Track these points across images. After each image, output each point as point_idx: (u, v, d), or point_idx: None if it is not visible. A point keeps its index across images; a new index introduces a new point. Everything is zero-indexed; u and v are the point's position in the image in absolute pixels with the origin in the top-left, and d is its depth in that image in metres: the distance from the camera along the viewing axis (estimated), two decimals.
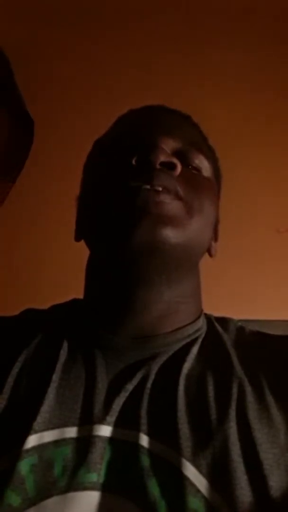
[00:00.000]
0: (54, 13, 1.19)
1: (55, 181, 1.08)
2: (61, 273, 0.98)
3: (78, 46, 1.18)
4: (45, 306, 0.57)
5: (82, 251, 0.53)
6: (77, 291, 0.54)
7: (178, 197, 0.46)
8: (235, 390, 0.42)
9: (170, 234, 0.43)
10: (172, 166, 0.46)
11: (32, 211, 1.11)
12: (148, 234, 0.43)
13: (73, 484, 0.37)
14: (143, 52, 1.16)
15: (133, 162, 0.46)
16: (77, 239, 0.56)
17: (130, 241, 0.43)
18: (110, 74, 1.16)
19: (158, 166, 0.45)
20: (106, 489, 0.37)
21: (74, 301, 0.56)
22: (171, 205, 0.45)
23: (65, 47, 1.18)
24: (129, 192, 0.44)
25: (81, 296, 0.54)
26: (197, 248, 0.49)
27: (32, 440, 0.39)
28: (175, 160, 0.46)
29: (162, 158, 0.45)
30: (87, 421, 0.40)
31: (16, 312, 0.56)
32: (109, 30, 1.18)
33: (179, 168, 0.47)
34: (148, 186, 0.44)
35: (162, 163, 0.46)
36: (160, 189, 0.45)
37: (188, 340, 0.49)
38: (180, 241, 0.44)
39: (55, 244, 1.04)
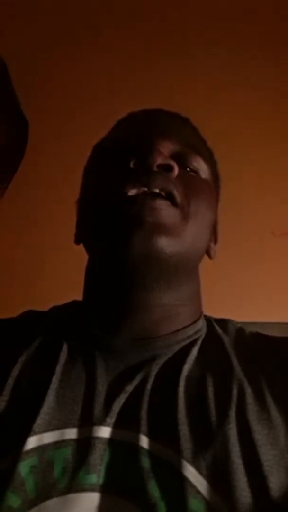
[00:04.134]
0: (52, 17, 1.19)
1: (56, 182, 1.08)
2: (62, 275, 0.97)
3: (74, 48, 1.18)
4: (45, 307, 0.57)
5: (82, 253, 0.53)
6: (78, 293, 0.54)
7: (174, 203, 0.46)
8: (235, 392, 0.43)
9: (166, 244, 0.44)
10: (170, 168, 0.47)
11: (32, 213, 1.11)
12: (143, 245, 0.43)
13: (73, 485, 0.36)
14: (141, 55, 1.17)
15: (131, 165, 0.46)
16: (77, 242, 0.56)
17: (126, 252, 0.43)
18: (108, 76, 1.16)
19: (155, 169, 0.46)
20: (106, 490, 0.36)
21: (74, 302, 0.56)
22: (167, 212, 0.45)
23: (62, 49, 1.18)
24: (125, 200, 0.45)
25: (81, 298, 0.55)
26: (194, 254, 0.49)
27: (32, 442, 0.38)
28: (172, 162, 0.47)
29: (160, 160, 0.46)
30: (87, 423, 0.40)
31: (16, 314, 0.56)
32: (105, 33, 1.18)
33: (176, 170, 0.47)
34: (145, 189, 0.45)
35: (159, 166, 0.46)
36: (157, 191, 0.45)
37: (188, 341, 0.49)
38: (176, 249, 0.45)
39: (55, 245, 1.04)
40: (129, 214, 0.44)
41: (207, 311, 0.56)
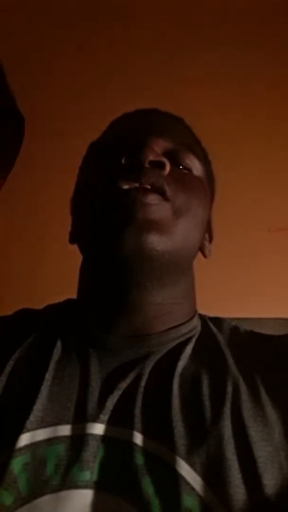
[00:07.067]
0: (50, 16, 1.18)
1: (52, 181, 1.08)
2: (57, 274, 0.97)
3: (71, 46, 1.17)
4: (41, 306, 0.56)
5: (77, 252, 0.53)
6: (73, 291, 0.54)
7: (165, 197, 0.46)
8: (229, 389, 0.43)
9: (156, 241, 0.44)
10: (161, 165, 0.46)
11: (28, 212, 1.11)
12: (134, 242, 0.43)
13: (66, 482, 0.36)
14: (141, 55, 1.16)
15: (123, 161, 0.46)
16: (71, 242, 0.56)
17: (117, 250, 0.43)
18: (104, 76, 1.15)
19: (147, 165, 0.46)
20: (99, 487, 0.36)
21: (69, 301, 0.56)
22: (158, 207, 0.45)
23: (58, 46, 1.17)
24: (116, 195, 0.45)
25: (76, 296, 0.54)
26: (186, 251, 0.49)
27: (24, 439, 0.38)
28: (164, 159, 0.47)
29: (151, 157, 0.46)
30: (80, 419, 0.40)
31: (12, 312, 0.56)
32: (102, 31, 1.17)
33: (168, 167, 0.47)
34: (136, 185, 0.45)
35: (151, 162, 0.46)
36: (149, 187, 0.45)
37: (182, 339, 0.49)
38: (166, 247, 0.44)
39: (50, 244, 1.04)
40: (121, 209, 0.44)
41: (202, 308, 0.56)
